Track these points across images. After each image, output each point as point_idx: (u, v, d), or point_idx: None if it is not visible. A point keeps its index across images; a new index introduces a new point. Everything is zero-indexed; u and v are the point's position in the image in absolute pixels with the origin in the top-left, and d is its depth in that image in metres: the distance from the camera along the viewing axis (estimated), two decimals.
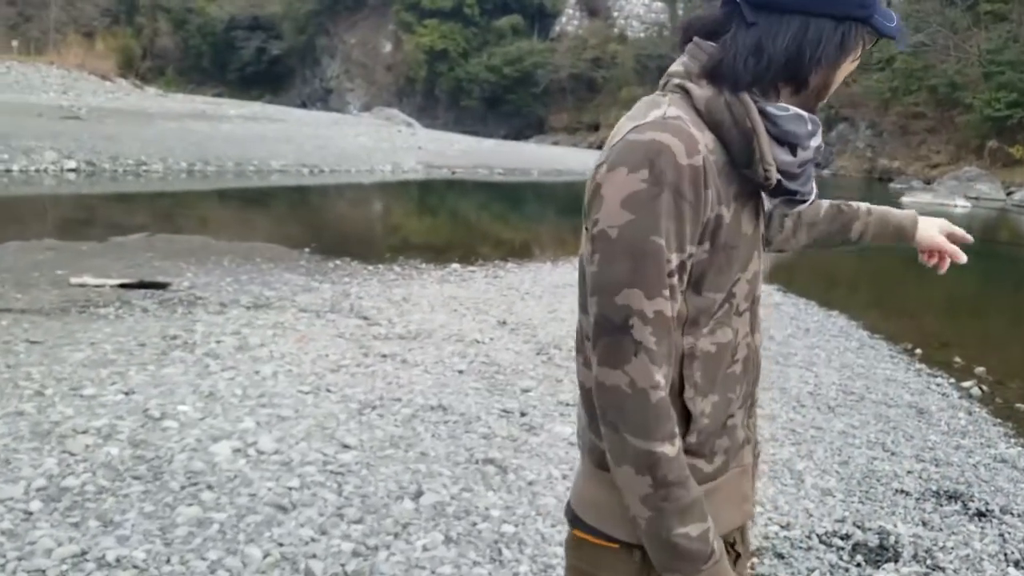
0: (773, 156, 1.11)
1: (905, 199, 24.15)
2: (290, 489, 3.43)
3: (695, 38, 1.16)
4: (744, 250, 1.17)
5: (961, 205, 23.12)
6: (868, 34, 1.14)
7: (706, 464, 1.18)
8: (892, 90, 39.30)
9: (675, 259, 1.07)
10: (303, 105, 61.01)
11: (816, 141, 1.17)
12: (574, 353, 1.23)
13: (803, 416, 4.90)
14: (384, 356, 5.38)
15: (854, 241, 1.60)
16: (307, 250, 9.73)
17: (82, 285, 6.82)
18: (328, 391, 4.63)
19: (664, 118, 1.08)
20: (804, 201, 1.19)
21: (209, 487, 3.39)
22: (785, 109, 1.13)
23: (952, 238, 1.61)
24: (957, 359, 6.68)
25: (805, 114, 1.14)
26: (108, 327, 5.67)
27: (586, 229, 1.10)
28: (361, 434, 4.04)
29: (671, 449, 1.07)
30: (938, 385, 5.89)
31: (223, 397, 4.41)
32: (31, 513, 3.05)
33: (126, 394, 4.35)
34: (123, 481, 3.37)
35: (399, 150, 26.74)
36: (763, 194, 1.19)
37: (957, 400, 5.57)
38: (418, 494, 3.46)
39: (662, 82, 1.18)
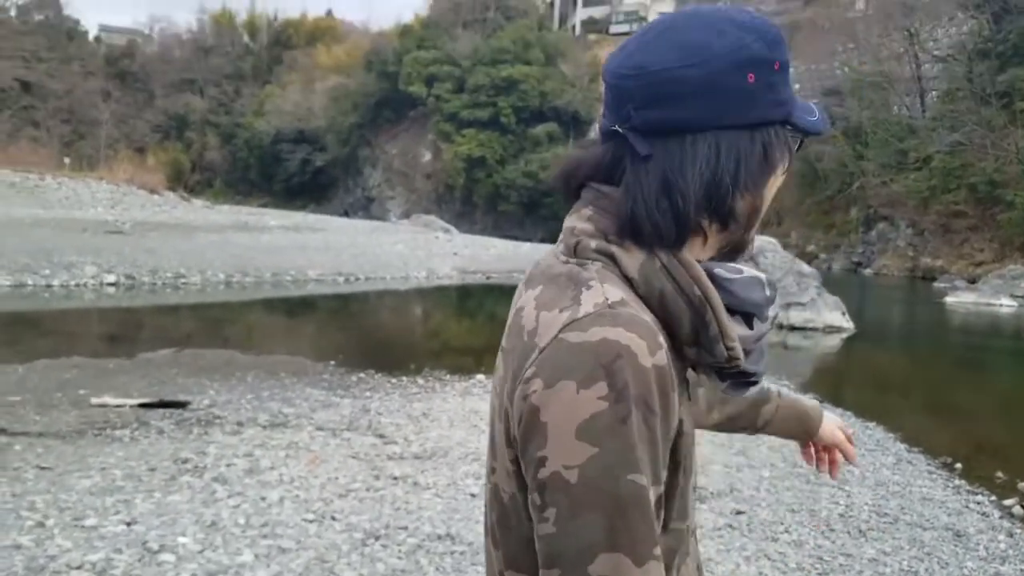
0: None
1: (949, 299, 23.71)
2: None
3: (590, 183, 0.93)
4: (693, 453, 0.94)
5: (1007, 304, 22.61)
6: (792, 136, 0.93)
7: None
8: (931, 189, 39.15)
9: (653, 497, 0.82)
10: (345, 213, 62.54)
11: (774, 311, 0.96)
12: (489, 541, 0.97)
13: (832, 542, 4.64)
14: (395, 478, 5.25)
15: (759, 427, 1.37)
16: (332, 363, 9.71)
17: (102, 405, 6.83)
18: (333, 519, 4.50)
19: (609, 306, 0.83)
20: (756, 383, 0.95)
21: None
22: (738, 271, 0.91)
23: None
24: (1000, 473, 6.36)
25: (762, 276, 0.93)
26: (121, 450, 5.63)
27: (524, 470, 0.85)
28: (361, 568, 3.89)
29: None
30: (978, 503, 5.58)
31: (225, 527, 4.30)
32: None
33: (128, 524, 4.26)
34: None
35: (435, 256, 27.05)
36: (702, 376, 0.95)
37: (997, 520, 5.26)
38: None
39: (570, 243, 0.92)
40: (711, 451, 6.44)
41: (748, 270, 0.93)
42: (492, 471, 0.93)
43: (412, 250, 28.09)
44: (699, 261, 0.90)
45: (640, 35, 0.91)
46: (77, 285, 15.70)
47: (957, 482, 6.15)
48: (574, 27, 72.44)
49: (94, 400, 6.97)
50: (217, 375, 8.54)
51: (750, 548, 4.46)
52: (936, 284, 29.56)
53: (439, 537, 4.32)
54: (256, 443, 5.94)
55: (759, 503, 5.25)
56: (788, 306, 15.62)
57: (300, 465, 5.45)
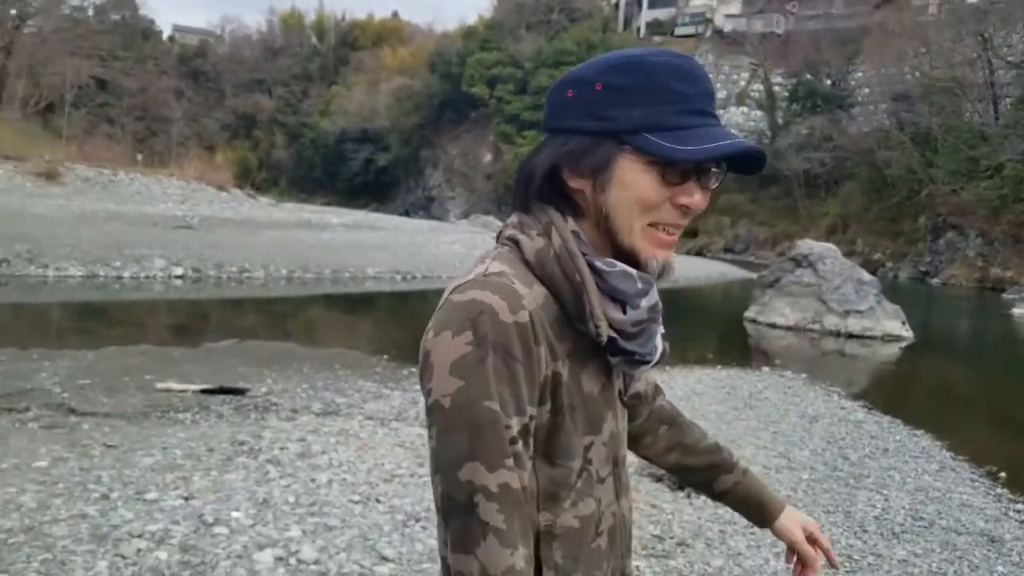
0: (605, 312, 1.07)
1: (1016, 311, 23.13)
2: None
3: None
4: (592, 410, 1.11)
5: None
6: (632, 152, 1.06)
7: None
8: (1002, 198, 38.07)
9: (515, 424, 0.99)
10: (406, 213, 63.29)
11: (649, 301, 1.11)
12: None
13: (863, 542, 4.71)
14: None
15: (715, 493, 1.49)
16: (385, 357, 9.98)
17: (167, 390, 7.18)
18: (378, 501, 4.72)
19: (485, 274, 1.04)
20: (646, 362, 1.12)
21: None
22: (612, 265, 1.08)
23: (812, 542, 1.47)
24: None
25: (633, 272, 1.09)
26: (182, 432, 5.95)
27: (424, 398, 1.04)
28: (401, 547, 4.10)
29: None
30: (1017, 511, 5.56)
31: (276, 504, 4.55)
32: None
33: (186, 499, 4.54)
34: None
35: None
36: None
37: None
38: None
39: (496, 234, 1.16)
40: (752, 453, 6.52)
41: (622, 265, 1.09)
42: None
43: (469, 250, 28.37)
44: (586, 255, 1.08)
45: None
46: (147, 277, 16.31)
47: (999, 490, 6.12)
48: (639, 29, 72.04)
49: (159, 385, 7.33)
50: (275, 365, 8.87)
51: (780, 545, 4.54)
52: (1005, 295, 28.79)
53: None
54: (309, 429, 6.21)
55: (795, 503, 5.32)
56: (846, 313, 15.46)
57: (349, 451, 5.69)
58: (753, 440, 6.99)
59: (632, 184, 1.07)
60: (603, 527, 1.14)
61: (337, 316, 16.69)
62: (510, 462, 0.99)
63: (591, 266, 1.08)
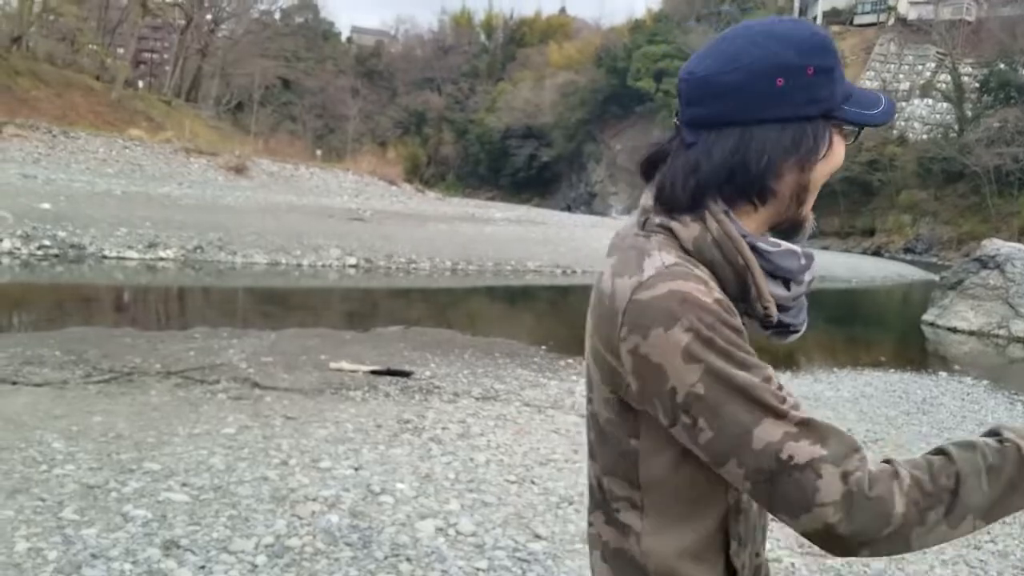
0: (769, 291, 1.08)
1: None
2: (478, 570, 3.66)
3: (661, 167, 1.14)
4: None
5: None
6: (837, 127, 1.10)
7: None
8: None
9: (767, 373, 1.00)
10: (568, 208, 63.69)
11: (810, 275, 1.13)
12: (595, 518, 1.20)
13: None
14: None
15: None
16: (543, 348, 10.16)
17: (339, 370, 7.63)
18: (532, 482, 4.86)
19: (667, 267, 1.02)
20: (797, 332, 1.16)
21: (408, 559, 3.70)
22: (776, 244, 1.09)
23: None
24: None
25: (797, 249, 1.11)
26: (353, 408, 6.32)
27: (661, 410, 1.02)
28: (554, 526, 4.22)
29: (900, 489, 0.97)
30: None
31: (437, 479, 4.78)
32: (256, 566, 3.52)
33: (355, 469, 4.84)
34: (336, 546, 3.78)
35: None
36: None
37: None
38: None
39: (640, 219, 1.12)
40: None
41: (785, 244, 1.11)
42: (590, 401, 1.15)
43: None
44: (746, 236, 1.07)
45: (705, 45, 1.13)
46: (323, 266, 17.26)
47: None
48: (815, 18, 69.28)
49: (332, 365, 7.80)
50: (438, 351, 9.22)
51: (948, 552, 4.36)
52: None
53: None
54: (469, 412, 6.45)
55: None
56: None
57: (506, 434, 5.88)
58: (923, 446, 6.66)
59: (836, 156, 1.11)
60: (753, 509, 1.17)
61: (498, 307, 17.09)
62: (792, 400, 0.99)
63: (753, 247, 1.07)
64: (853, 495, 0.95)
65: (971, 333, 14.61)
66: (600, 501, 1.17)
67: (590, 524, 1.23)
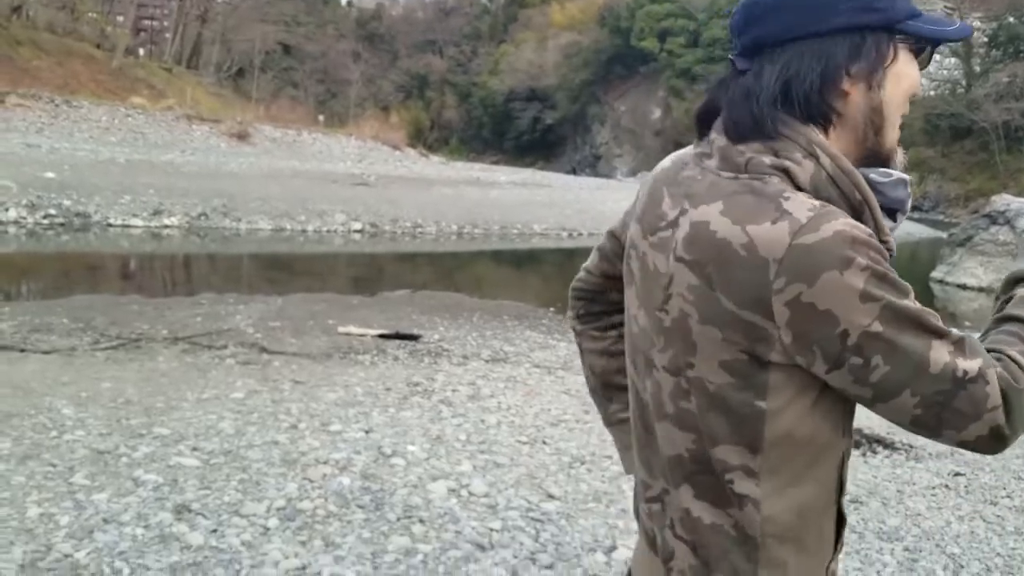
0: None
1: None
2: (491, 530, 3.64)
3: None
4: None
5: None
6: (902, 41, 1.04)
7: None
8: None
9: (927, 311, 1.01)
10: (573, 171, 63.40)
11: (910, 203, 1.11)
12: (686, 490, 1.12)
13: None
14: None
15: None
16: (551, 310, 10.11)
17: (347, 334, 7.60)
18: (544, 443, 4.84)
19: (817, 208, 0.96)
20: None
21: (421, 521, 3.68)
22: (888, 175, 1.06)
23: None
24: None
25: (906, 176, 1.08)
26: (362, 372, 6.29)
27: (820, 356, 0.97)
28: (567, 486, 4.19)
29: None
30: None
31: (448, 441, 4.76)
32: (268, 529, 3.50)
33: (366, 432, 4.82)
34: (348, 508, 3.76)
35: None
36: None
37: None
38: (611, 549, 3.55)
39: (738, 160, 1.03)
40: None
41: (897, 173, 1.08)
42: (689, 366, 1.05)
43: None
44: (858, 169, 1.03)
45: None
46: (328, 231, 17.19)
47: None
48: None
49: (340, 329, 7.77)
50: (446, 314, 9.19)
51: (964, 508, 4.33)
52: None
53: None
54: (479, 374, 6.42)
55: (982, 468, 5.03)
56: None
57: (517, 395, 5.85)
58: None
59: (907, 75, 1.06)
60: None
61: (505, 270, 17.04)
62: (955, 331, 1.00)
63: (867, 181, 1.04)
64: (1008, 392, 0.98)
65: (980, 289, 14.53)
66: (692, 473, 1.09)
67: (654, 501, 1.17)
